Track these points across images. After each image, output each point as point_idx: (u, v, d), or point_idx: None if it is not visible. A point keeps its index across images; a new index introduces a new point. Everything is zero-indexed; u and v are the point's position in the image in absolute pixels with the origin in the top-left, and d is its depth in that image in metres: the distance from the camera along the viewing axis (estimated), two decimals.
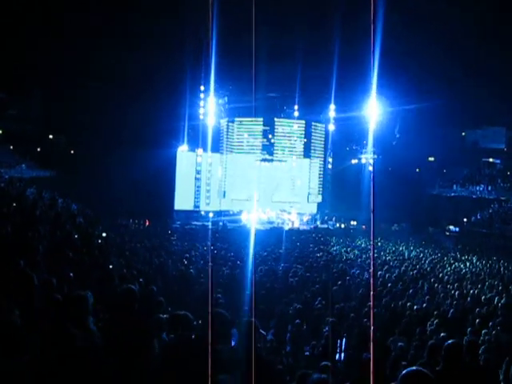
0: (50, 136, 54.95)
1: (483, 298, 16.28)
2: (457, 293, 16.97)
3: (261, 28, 43.74)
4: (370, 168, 57.74)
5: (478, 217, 51.63)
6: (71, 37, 41.98)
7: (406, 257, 29.99)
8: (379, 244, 37.91)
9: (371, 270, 21.35)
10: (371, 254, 25.04)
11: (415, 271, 22.92)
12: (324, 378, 3.78)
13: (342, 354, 10.94)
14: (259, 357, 4.81)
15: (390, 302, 14.99)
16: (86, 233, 16.68)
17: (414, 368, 3.42)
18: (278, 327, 12.55)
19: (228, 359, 4.67)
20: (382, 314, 13.80)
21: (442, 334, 11.28)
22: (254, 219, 49.36)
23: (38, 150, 52.34)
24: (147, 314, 7.22)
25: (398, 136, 57.53)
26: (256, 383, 3.98)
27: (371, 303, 14.40)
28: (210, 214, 49.45)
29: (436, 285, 18.75)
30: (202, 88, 50.76)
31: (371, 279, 18.65)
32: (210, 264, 19.93)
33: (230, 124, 54.73)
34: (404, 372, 3.25)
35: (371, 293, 16.22)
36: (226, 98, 52.54)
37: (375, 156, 58.14)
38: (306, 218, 53.85)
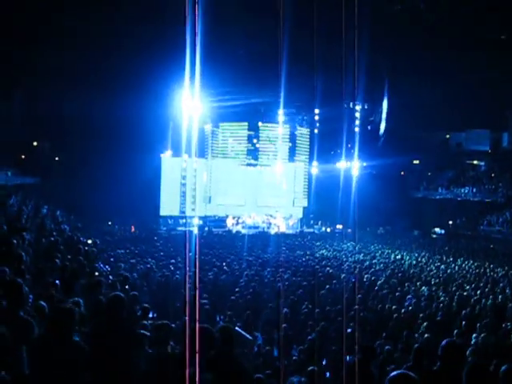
0: (35, 143, 54.57)
1: (470, 300, 16.32)
2: (443, 295, 17.03)
3: (244, 32, 43.85)
4: (355, 172, 57.93)
5: (463, 219, 51.91)
6: (51, 37, 41.56)
7: (392, 260, 30.03)
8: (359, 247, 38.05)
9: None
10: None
11: (401, 274, 22.99)
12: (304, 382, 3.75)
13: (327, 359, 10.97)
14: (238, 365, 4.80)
15: (376, 306, 15.03)
16: (72, 240, 16.59)
17: (400, 371, 3.43)
18: (265, 332, 12.55)
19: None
20: (369, 318, 13.82)
21: (425, 335, 11.35)
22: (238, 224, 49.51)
23: (23, 157, 51.94)
24: (133, 320, 7.19)
25: (382, 138, 57.62)
26: None
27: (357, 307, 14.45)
28: (195, 220, 48.95)
29: (422, 287, 18.80)
30: (187, 93, 50.48)
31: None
32: (194, 270, 19.80)
33: (215, 129, 54.70)
34: (390, 375, 3.25)
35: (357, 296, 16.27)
36: (210, 104, 52.27)
37: (359, 160, 58.33)
38: (291, 222, 53.86)
